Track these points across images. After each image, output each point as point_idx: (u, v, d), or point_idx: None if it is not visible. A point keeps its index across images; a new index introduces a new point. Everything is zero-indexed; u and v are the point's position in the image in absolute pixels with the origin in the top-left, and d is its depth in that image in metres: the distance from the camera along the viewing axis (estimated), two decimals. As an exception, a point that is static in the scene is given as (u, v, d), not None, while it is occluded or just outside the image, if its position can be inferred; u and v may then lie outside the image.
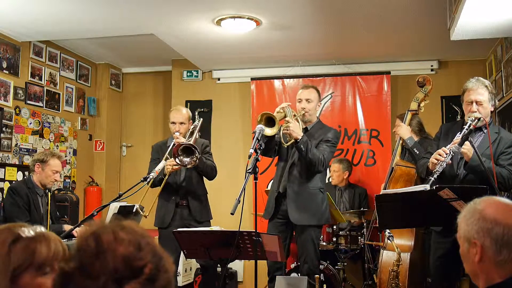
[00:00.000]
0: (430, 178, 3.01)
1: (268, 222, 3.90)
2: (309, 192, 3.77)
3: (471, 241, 1.58)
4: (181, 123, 4.09)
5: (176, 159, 3.77)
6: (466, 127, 3.08)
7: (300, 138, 3.59)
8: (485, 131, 3.20)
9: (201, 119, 4.34)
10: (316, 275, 3.74)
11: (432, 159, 3.10)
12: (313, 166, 3.68)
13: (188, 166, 3.84)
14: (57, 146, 6.06)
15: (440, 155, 3.04)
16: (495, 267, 1.56)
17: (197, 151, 3.76)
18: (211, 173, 4.10)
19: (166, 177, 3.90)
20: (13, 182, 5.03)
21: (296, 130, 3.59)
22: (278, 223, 3.82)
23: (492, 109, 3.26)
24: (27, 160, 5.46)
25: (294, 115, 3.72)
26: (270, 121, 3.52)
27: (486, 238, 1.56)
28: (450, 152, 3.03)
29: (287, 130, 3.59)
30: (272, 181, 3.84)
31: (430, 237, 3.50)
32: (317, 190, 3.81)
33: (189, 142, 3.81)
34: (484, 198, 1.65)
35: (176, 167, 3.88)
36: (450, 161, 3.07)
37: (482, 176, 3.00)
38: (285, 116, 3.64)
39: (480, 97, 3.17)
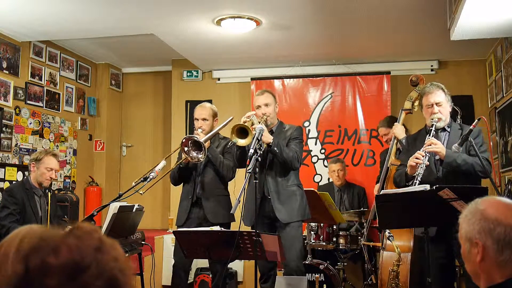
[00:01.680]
0: (415, 181, 3.10)
1: (252, 227, 3.90)
2: (288, 190, 3.83)
3: (473, 241, 1.57)
4: (204, 119, 4.06)
5: (185, 147, 3.80)
6: (433, 129, 3.26)
7: (272, 141, 3.66)
8: (448, 130, 3.38)
9: (232, 117, 4.27)
10: (303, 273, 3.75)
11: (410, 163, 3.19)
12: (289, 164, 3.75)
13: (193, 160, 3.86)
14: (57, 146, 6.06)
15: (417, 158, 3.15)
16: (497, 267, 1.55)
17: (205, 150, 3.78)
18: (227, 173, 4.04)
19: (161, 169, 3.87)
20: (14, 182, 5.04)
21: (266, 135, 3.64)
22: (263, 226, 3.82)
23: (450, 110, 3.42)
24: (27, 160, 5.46)
25: (259, 122, 3.76)
26: (242, 132, 3.60)
27: (487, 238, 1.55)
28: (426, 154, 3.15)
29: None
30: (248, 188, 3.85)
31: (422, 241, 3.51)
32: (295, 187, 3.88)
33: (197, 137, 3.82)
34: (486, 198, 1.65)
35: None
36: (428, 163, 3.17)
37: (460, 170, 3.13)
38: (252, 124, 3.70)
39: (439, 98, 3.36)
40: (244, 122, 3.68)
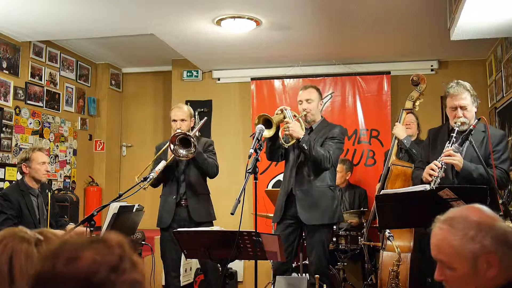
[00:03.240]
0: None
1: (277, 225, 3.86)
2: (318, 190, 3.71)
3: (480, 257, 1.45)
4: (182, 120, 4.04)
5: (172, 145, 3.75)
6: (454, 134, 3.10)
7: (302, 137, 3.56)
8: (472, 133, 3.17)
9: (206, 118, 4.27)
10: (317, 276, 3.73)
11: (425, 175, 3.07)
12: (319, 164, 3.63)
13: (182, 158, 3.82)
14: (57, 146, 6.06)
15: (433, 169, 3.03)
16: (505, 271, 1.47)
17: (194, 144, 3.73)
18: (211, 170, 4.02)
19: (161, 169, 3.86)
20: (13, 182, 5.03)
21: (297, 129, 3.56)
22: (286, 224, 3.77)
23: (476, 110, 3.27)
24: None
25: (295, 116, 3.69)
26: (267, 123, 3.49)
27: (502, 246, 1.46)
28: (442, 165, 3.02)
29: (288, 130, 3.57)
30: (272, 182, 3.84)
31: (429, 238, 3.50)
32: (326, 188, 3.75)
33: (186, 132, 3.79)
34: (465, 208, 1.55)
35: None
36: (444, 174, 3.05)
37: (475, 183, 2.98)
38: (284, 118, 3.62)
39: (464, 102, 3.18)
40: (276, 114, 3.59)
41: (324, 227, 3.73)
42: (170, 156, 3.89)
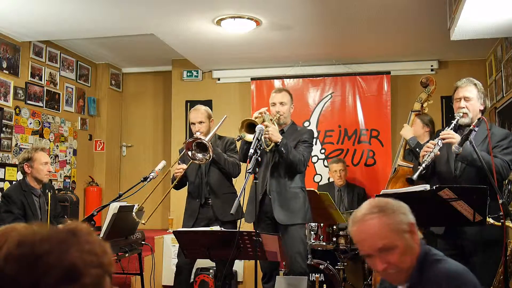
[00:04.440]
0: (418, 167, 3.05)
1: (254, 225, 3.89)
2: (291, 191, 3.81)
3: (409, 228, 1.72)
4: (200, 122, 4.05)
5: (189, 152, 3.78)
6: (454, 122, 3.14)
7: (280, 141, 3.63)
8: (476, 129, 3.18)
9: (225, 116, 4.27)
10: (307, 274, 3.76)
11: (421, 152, 3.13)
12: (294, 167, 3.73)
13: (200, 162, 3.84)
14: (57, 146, 6.06)
15: (428, 147, 3.09)
16: (415, 242, 1.78)
17: (210, 149, 3.74)
18: (233, 170, 4.04)
19: (161, 169, 3.87)
20: (13, 182, 5.03)
21: (276, 133, 3.63)
22: (265, 225, 3.82)
23: (482, 108, 3.26)
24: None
25: (271, 119, 3.75)
26: (251, 127, 3.57)
27: (410, 215, 1.75)
28: (437, 143, 3.06)
29: (267, 134, 3.61)
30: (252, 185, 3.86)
31: (430, 238, 3.49)
32: (298, 189, 3.86)
33: (201, 138, 3.80)
34: (373, 199, 1.85)
35: (180, 172, 3.92)
36: (439, 152, 3.08)
37: (475, 166, 3.01)
38: (263, 121, 3.68)
39: (468, 94, 3.22)
40: (256, 118, 3.66)
41: (297, 225, 3.81)
42: (178, 170, 3.95)
